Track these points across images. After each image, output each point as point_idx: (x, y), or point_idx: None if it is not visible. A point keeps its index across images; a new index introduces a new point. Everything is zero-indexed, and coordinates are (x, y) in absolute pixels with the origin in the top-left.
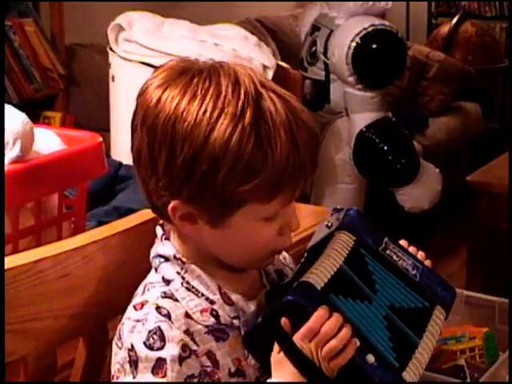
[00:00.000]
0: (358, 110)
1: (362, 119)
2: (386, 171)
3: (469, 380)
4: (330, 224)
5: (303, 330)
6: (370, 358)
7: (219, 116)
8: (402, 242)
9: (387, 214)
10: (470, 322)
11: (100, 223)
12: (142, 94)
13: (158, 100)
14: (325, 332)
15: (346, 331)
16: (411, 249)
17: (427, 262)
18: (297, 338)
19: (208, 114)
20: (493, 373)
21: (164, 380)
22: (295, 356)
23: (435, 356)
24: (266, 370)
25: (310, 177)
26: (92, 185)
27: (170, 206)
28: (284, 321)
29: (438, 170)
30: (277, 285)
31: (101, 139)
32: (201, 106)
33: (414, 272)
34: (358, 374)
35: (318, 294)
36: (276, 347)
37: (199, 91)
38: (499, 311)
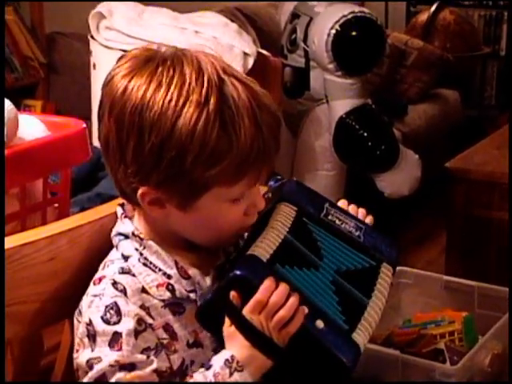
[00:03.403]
0: (338, 97)
1: (341, 106)
2: (366, 157)
3: (448, 363)
4: (268, 196)
5: (252, 302)
6: (320, 324)
7: (184, 104)
8: (342, 202)
9: (367, 201)
10: (450, 307)
11: (83, 209)
12: (108, 83)
13: (125, 89)
14: (273, 302)
15: (293, 300)
16: (351, 207)
17: (369, 219)
18: (246, 311)
19: (173, 102)
20: (472, 356)
21: (119, 353)
22: (246, 329)
23: (415, 340)
24: (220, 342)
25: (274, 158)
26: (75, 172)
27: (139, 192)
28: (233, 294)
29: (417, 156)
30: (226, 260)
31: (84, 125)
32: (166, 94)
33: (357, 233)
34: (308, 341)
35: (264, 266)
36: (227, 321)
37: (164, 80)
38: (478, 296)
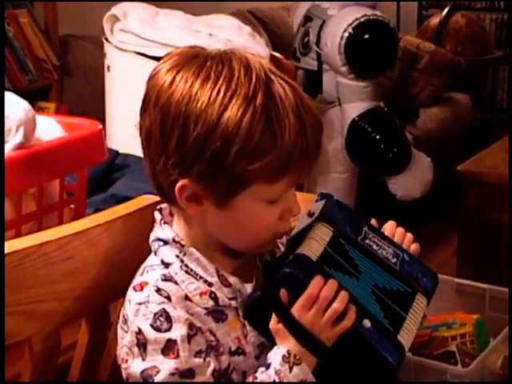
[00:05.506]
0: (351, 100)
1: (354, 109)
2: (378, 160)
3: (460, 366)
4: (311, 212)
5: (302, 298)
6: (367, 323)
7: (232, 97)
8: (390, 224)
9: (379, 203)
10: (461, 309)
11: (97, 211)
12: (153, 77)
13: (172, 81)
14: (324, 296)
15: (344, 294)
16: (399, 230)
17: (414, 246)
18: (296, 309)
19: (221, 94)
20: (483, 359)
21: (177, 360)
22: (293, 327)
23: (426, 342)
24: (268, 339)
25: (314, 162)
26: (89, 173)
27: (179, 184)
28: (282, 292)
29: (429, 159)
30: (269, 261)
31: (101, 126)
32: (214, 86)
33: (394, 260)
34: (354, 339)
35: (314, 266)
36: (274, 318)
37: (212, 73)
38: (489, 298)
